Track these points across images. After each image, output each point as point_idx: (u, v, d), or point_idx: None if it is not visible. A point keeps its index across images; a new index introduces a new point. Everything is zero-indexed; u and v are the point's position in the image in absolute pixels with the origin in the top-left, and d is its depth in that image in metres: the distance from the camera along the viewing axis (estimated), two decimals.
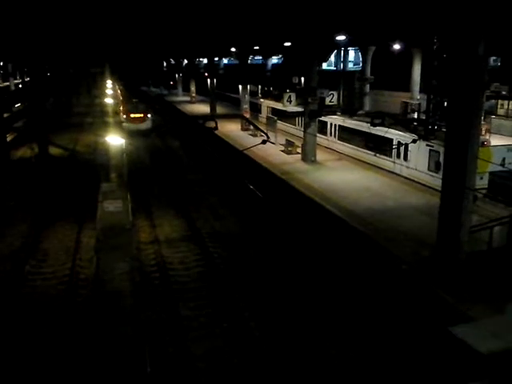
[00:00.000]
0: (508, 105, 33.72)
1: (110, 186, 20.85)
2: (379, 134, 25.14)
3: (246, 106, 43.33)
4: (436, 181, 19.34)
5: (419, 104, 32.30)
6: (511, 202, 17.94)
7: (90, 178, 26.93)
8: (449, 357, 8.95)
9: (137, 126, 42.80)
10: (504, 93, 31.06)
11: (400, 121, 26.31)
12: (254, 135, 35.97)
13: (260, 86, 54.74)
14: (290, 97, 32.96)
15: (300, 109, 30.86)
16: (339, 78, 42.60)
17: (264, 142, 20.24)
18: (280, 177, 24.77)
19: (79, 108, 65.97)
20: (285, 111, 35.88)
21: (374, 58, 37.41)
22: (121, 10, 23.72)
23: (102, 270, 14.50)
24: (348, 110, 32.31)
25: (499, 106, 34.16)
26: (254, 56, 56.36)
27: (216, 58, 56.95)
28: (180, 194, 25.45)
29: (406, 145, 22.97)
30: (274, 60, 55.17)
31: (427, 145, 21.78)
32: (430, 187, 21.24)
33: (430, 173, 21.58)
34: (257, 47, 42.83)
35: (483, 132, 24.08)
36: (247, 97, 43.62)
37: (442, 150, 17.95)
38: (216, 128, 22.75)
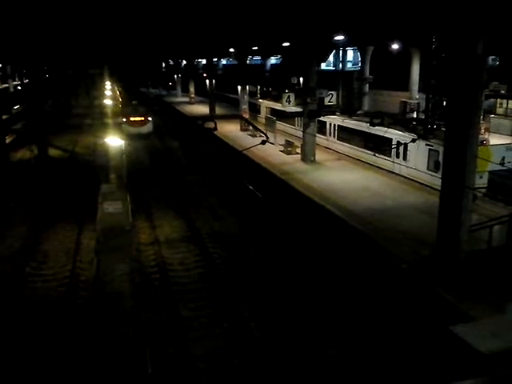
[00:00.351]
0: (507, 104, 33.75)
1: (109, 188, 20.84)
2: (378, 133, 25.16)
3: (245, 107, 43.33)
4: (435, 180, 19.35)
5: (418, 103, 32.34)
6: (511, 200, 17.96)
7: (90, 179, 26.94)
8: (449, 356, 8.96)
9: (137, 129, 41.53)
10: (503, 92, 31.10)
11: (399, 120, 26.35)
12: (254, 135, 35.98)
13: (259, 87, 54.75)
14: (288, 97, 32.93)
15: (299, 109, 30.85)
16: (338, 78, 42.59)
17: (263, 142, 20.30)
18: (279, 177, 24.77)
19: (78, 109, 65.96)
20: (284, 111, 35.86)
21: (372, 57, 37.45)
22: (119, 11, 23.74)
23: (103, 272, 14.50)
24: (347, 109, 32.32)
25: (498, 105, 34.19)
26: (253, 56, 56.35)
27: (215, 59, 57.00)
28: (179, 195, 25.45)
29: (406, 144, 22.97)
30: (273, 60, 55.19)
31: (426, 144, 21.79)
32: (429, 186, 21.26)
33: (430, 172, 21.59)
34: (255, 48, 42.86)
35: (482, 131, 24.10)
36: (246, 97, 43.62)
37: (441, 149, 17.96)
38: (215, 128, 22.82)
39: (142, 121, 42.10)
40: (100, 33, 33.37)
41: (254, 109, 45.08)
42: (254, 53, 49.48)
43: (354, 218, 18.04)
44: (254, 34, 30.18)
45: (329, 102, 29.13)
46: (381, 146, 25.36)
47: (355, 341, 12.34)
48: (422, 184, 22.07)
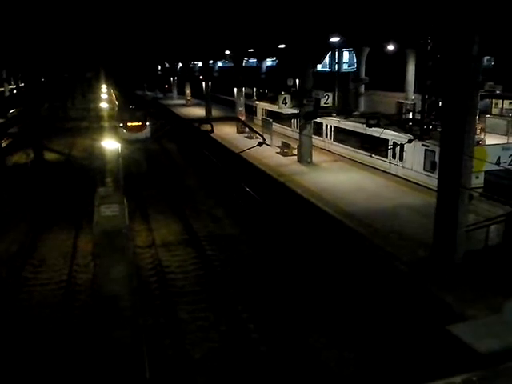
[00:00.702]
0: (502, 104, 33.89)
1: (106, 191, 20.76)
2: (375, 134, 25.18)
3: (241, 109, 43.30)
4: (432, 180, 19.39)
5: (414, 104, 32.46)
6: (507, 200, 18.00)
7: (86, 182, 26.87)
8: (446, 356, 8.96)
9: (135, 135, 39.55)
10: (498, 92, 31.22)
11: (395, 121, 26.38)
12: (250, 137, 35.97)
13: (255, 89, 54.77)
14: (285, 99, 32.99)
15: (295, 110, 30.88)
16: (334, 80, 42.67)
17: (260, 144, 20.25)
18: (276, 178, 24.78)
19: (74, 113, 65.83)
20: (280, 113, 35.90)
21: (368, 58, 37.55)
22: (115, 14, 23.72)
23: (100, 275, 14.45)
24: (343, 111, 32.34)
25: (494, 106, 34.34)
26: (249, 58, 56.45)
27: (211, 61, 57.00)
28: (176, 197, 25.43)
29: (402, 145, 23.01)
30: (269, 62, 55.26)
31: (423, 145, 21.83)
32: (425, 187, 21.28)
33: (426, 173, 21.62)
34: (251, 50, 42.89)
35: (478, 131, 24.18)
36: (242, 99, 43.61)
37: (437, 149, 18.00)
38: (212, 131, 22.72)
39: (139, 126, 40.51)
40: (96, 36, 33.34)
41: (251, 111, 45.09)
42: (250, 55, 49.57)
43: (351, 219, 18.04)
44: (250, 35, 30.21)
45: (325, 103, 29.21)
46: (377, 146, 25.39)
47: (352, 341, 12.34)
48: (418, 184, 22.09)
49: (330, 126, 30.84)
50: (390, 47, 33.93)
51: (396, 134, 23.92)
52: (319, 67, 44.98)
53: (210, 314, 13.95)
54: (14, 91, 75.50)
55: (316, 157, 28.54)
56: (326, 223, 18.91)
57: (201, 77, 58.66)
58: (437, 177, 14.20)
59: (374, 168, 25.65)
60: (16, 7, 20.91)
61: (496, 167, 19.02)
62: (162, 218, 22.46)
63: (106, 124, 44.11)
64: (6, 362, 11.76)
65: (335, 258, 16.88)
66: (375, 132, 24.86)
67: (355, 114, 30.68)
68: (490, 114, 33.32)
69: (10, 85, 76.37)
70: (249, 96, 50.34)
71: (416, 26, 21.03)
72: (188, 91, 67.10)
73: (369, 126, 23.62)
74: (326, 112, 29.46)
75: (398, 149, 23.61)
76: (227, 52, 44.13)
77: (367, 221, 17.71)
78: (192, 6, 21.53)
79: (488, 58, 32.08)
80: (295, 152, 29.27)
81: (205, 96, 53.49)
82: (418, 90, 32.14)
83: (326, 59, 46.23)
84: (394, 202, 19.98)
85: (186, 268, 17.15)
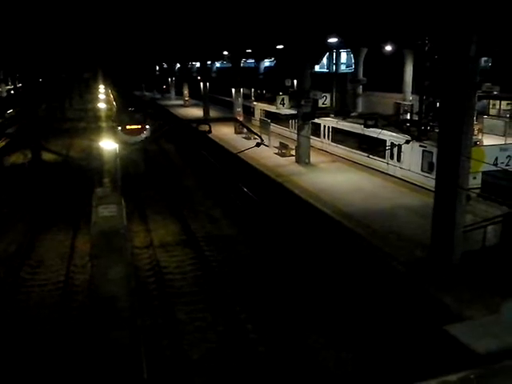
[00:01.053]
0: (500, 105, 33.96)
1: (103, 191, 20.74)
2: (372, 135, 25.22)
3: (239, 109, 43.32)
4: (429, 181, 19.41)
5: (412, 105, 32.48)
6: (504, 201, 18.03)
7: (84, 183, 26.82)
8: (444, 356, 8.97)
9: (134, 138, 36.96)
10: (496, 93, 31.28)
11: (393, 122, 26.41)
12: (248, 138, 35.97)
13: (253, 89, 54.78)
14: (283, 99, 33.03)
15: (293, 111, 30.91)
16: (332, 80, 42.71)
17: (258, 144, 20.24)
18: (274, 179, 24.79)
19: (72, 113, 65.77)
20: (278, 114, 35.92)
21: (366, 59, 37.56)
22: (113, 14, 23.72)
23: (97, 275, 14.43)
24: (341, 111, 32.38)
25: (491, 106, 34.39)
26: (247, 59, 56.45)
27: (209, 62, 57.04)
28: (174, 198, 25.41)
29: (400, 146, 23.05)
30: (267, 63, 55.27)
31: (420, 145, 21.86)
32: (423, 187, 21.32)
33: (424, 173, 21.65)
34: (249, 50, 42.94)
35: (476, 132, 24.19)
36: (240, 100, 43.63)
37: (435, 150, 18.01)
38: (210, 131, 22.70)
39: (139, 129, 38.55)
40: (93, 36, 33.33)
41: (249, 111, 45.09)
42: (248, 55, 49.59)
43: (349, 220, 18.05)
44: (248, 36, 30.25)
45: (323, 104, 29.22)
46: (375, 147, 25.42)
47: (349, 342, 12.35)
48: (416, 185, 22.12)
49: (328, 127, 30.87)
50: (388, 48, 33.97)
51: (394, 134, 23.95)
52: (317, 68, 44.98)
53: (207, 315, 13.95)
54: (12, 91, 75.40)
55: (314, 157, 28.56)
56: (324, 223, 18.92)
57: (199, 77, 58.68)
58: (434, 177, 14.22)
59: (372, 169, 25.67)
60: (14, 8, 20.89)
61: (493, 168, 19.05)
62: (160, 219, 22.45)
63: (104, 124, 43.98)
64: (4, 363, 11.73)
65: (334, 258, 16.88)
66: (373, 133, 24.90)
67: (353, 114, 30.72)
68: (488, 114, 33.35)
69: (8, 85, 76.29)
70: (247, 97, 50.35)
71: (414, 26, 21.06)
72: (186, 92, 67.11)
73: (367, 126, 23.64)
74: (324, 113, 29.49)
75: (395, 149, 23.64)
76: (225, 53, 44.14)
77: (365, 221, 17.73)
78: (190, 6, 21.54)
79: (485, 58, 32.12)
80: (293, 153, 29.28)
81: (203, 97, 53.50)
82: (415, 90, 32.19)
83: (324, 60, 46.23)
84: (391, 203, 20.01)
85: (183, 269, 17.14)
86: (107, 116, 48.40)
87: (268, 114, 39.62)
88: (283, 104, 33.04)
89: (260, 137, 21.97)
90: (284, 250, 18.35)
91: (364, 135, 26.12)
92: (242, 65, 48.46)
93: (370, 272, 15.05)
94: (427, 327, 11.43)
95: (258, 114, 42.74)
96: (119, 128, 38.03)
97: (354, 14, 19.32)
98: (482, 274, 12.87)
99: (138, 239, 19.96)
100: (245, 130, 36.49)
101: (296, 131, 29.14)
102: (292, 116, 32.54)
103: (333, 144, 30.51)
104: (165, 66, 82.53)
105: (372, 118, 23.89)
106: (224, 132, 39.31)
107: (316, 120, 29.84)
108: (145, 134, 38.43)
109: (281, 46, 35.13)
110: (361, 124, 24.86)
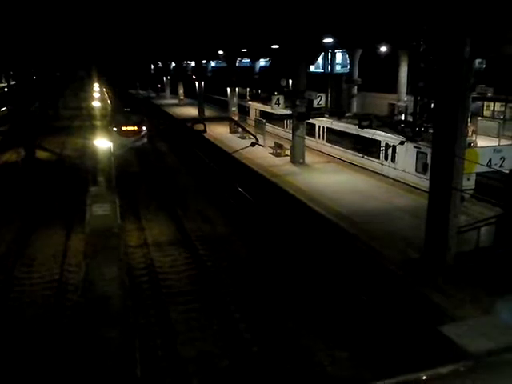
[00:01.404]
0: (494, 106, 34.15)
1: (98, 190, 20.71)
2: (367, 135, 25.28)
3: (234, 109, 43.29)
4: (424, 182, 19.47)
5: (406, 106, 32.57)
6: (498, 202, 18.11)
7: (78, 181, 26.74)
8: (437, 355, 9.01)
9: (130, 140, 34.99)
10: (490, 95, 31.45)
11: (387, 123, 26.45)
12: (243, 138, 35.97)
13: (248, 89, 54.75)
14: (278, 99, 32.96)
15: (288, 111, 30.90)
16: (327, 81, 42.78)
17: (253, 144, 20.24)
18: (269, 179, 24.79)
19: (66, 111, 65.50)
20: (273, 114, 35.90)
21: (361, 60, 37.65)
22: (108, 13, 23.64)
23: (91, 274, 14.40)
24: (336, 112, 32.42)
25: (485, 108, 34.58)
26: (242, 59, 56.38)
27: (204, 61, 56.91)
28: (169, 197, 25.37)
29: (394, 146, 23.11)
30: (262, 63, 55.24)
31: (415, 146, 21.93)
32: (417, 188, 21.38)
33: (418, 174, 21.73)
34: (244, 50, 42.89)
35: (470, 133, 24.30)
36: (235, 99, 43.61)
37: (429, 151, 18.08)
38: (204, 131, 22.71)
39: (135, 131, 37.03)
40: (88, 34, 33.21)
41: (244, 111, 45.09)
42: (243, 55, 49.51)
43: (343, 220, 18.08)
44: (243, 36, 30.21)
45: (318, 104, 29.19)
46: (369, 148, 25.49)
47: (344, 342, 12.38)
48: (410, 186, 22.20)
49: (323, 127, 30.92)
50: (383, 49, 34.07)
51: (388, 135, 24.01)
52: (312, 68, 45.04)
53: (201, 314, 13.93)
54: (5, 89, 74.94)
55: (309, 158, 28.59)
56: (318, 223, 18.94)
57: (194, 76, 58.56)
58: (428, 178, 14.26)
59: (367, 169, 25.73)
60: (8, 6, 20.78)
61: (487, 169, 19.13)
62: (154, 218, 22.40)
63: (98, 123, 43.80)
64: None
65: (328, 257, 16.90)
66: (367, 133, 24.96)
67: (348, 115, 30.75)
68: (482, 116, 33.56)
69: (1, 83, 75.90)
70: (242, 96, 50.32)
71: (408, 27, 21.11)
72: (181, 91, 67.00)
73: (361, 127, 23.67)
74: (319, 113, 29.50)
75: (390, 150, 23.71)
76: (220, 52, 44.05)
77: (359, 221, 17.76)
78: (185, 5, 21.50)
79: (480, 60, 32.29)
80: (288, 153, 29.31)
81: (198, 96, 53.43)
82: (410, 91, 32.27)
83: (319, 60, 46.30)
84: (385, 203, 20.07)
85: (177, 268, 17.11)
86: (102, 114, 48.25)
87: (263, 113, 39.62)
88: (278, 104, 32.98)
89: (255, 136, 22.03)
90: (278, 249, 18.35)
91: (359, 136, 26.18)
92: (237, 64, 48.41)
93: (364, 272, 15.09)
94: (421, 327, 11.49)
95: (253, 114, 42.74)
96: (115, 129, 36.35)
97: (349, 15, 19.35)
98: (476, 274, 12.92)
99: (132, 238, 19.90)
100: (240, 129, 36.49)
101: (291, 131, 29.16)
102: (287, 116, 32.55)
103: (327, 144, 30.55)
104: (160, 64, 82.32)
105: (367, 119, 23.92)
106: (219, 131, 39.28)
107: (311, 120, 29.86)
108: (142, 136, 36.65)
109: (276, 46, 35.10)
110: (355, 124, 24.90)
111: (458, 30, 12.53)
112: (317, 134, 31.66)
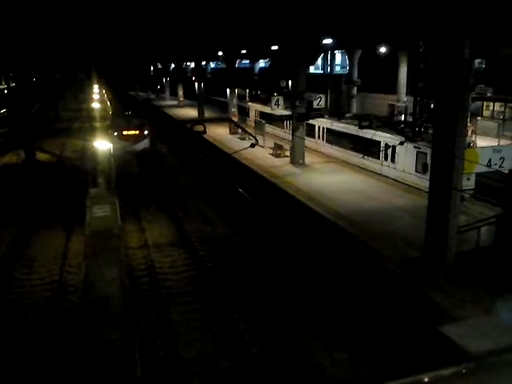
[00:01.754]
0: (493, 106, 34.17)
1: (98, 191, 20.73)
2: (367, 136, 25.28)
3: (234, 110, 43.30)
4: (423, 182, 19.47)
5: (406, 106, 32.59)
6: (497, 202, 18.12)
7: (78, 183, 26.75)
8: (438, 355, 9.00)
9: (131, 145, 34.80)
10: (489, 95, 31.47)
11: (387, 123, 26.46)
12: (243, 139, 35.99)
13: (248, 90, 54.77)
14: (277, 100, 32.98)
15: (288, 112, 30.93)
16: (326, 81, 42.80)
17: (253, 145, 20.22)
18: (269, 180, 24.80)
19: (66, 113, 65.50)
20: (273, 115, 35.90)
21: (360, 61, 37.68)
22: (108, 15, 23.67)
23: (91, 275, 14.40)
24: (336, 112, 32.42)
25: (485, 108, 34.59)
26: (242, 60, 56.42)
27: (203, 62, 56.97)
28: (168, 198, 25.36)
29: (394, 147, 23.12)
30: (262, 64, 55.28)
31: (414, 147, 21.93)
32: (417, 188, 21.37)
33: (418, 174, 21.72)
34: (244, 51, 42.94)
35: (469, 133, 24.30)
36: (235, 100, 43.63)
37: (429, 151, 18.09)
38: (204, 132, 22.68)
39: (136, 135, 35.34)
40: (88, 36, 33.23)
41: (243, 112, 45.10)
42: (243, 56, 49.57)
43: (343, 220, 18.09)
44: (243, 37, 30.25)
45: (317, 105, 29.21)
46: (369, 148, 25.49)
47: (343, 342, 12.37)
48: (410, 186, 22.20)
49: (323, 128, 30.93)
50: (382, 49, 34.10)
51: (388, 135, 24.02)
52: (312, 69, 45.04)
53: (202, 315, 13.92)
54: (5, 91, 75.01)
55: (308, 158, 28.60)
56: (318, 223, 18.94)
57: (193, 78, 58.61)
58: (428, 178, 14.26)
59: (367, 170, 25.74)
60: (8, 7, 20.81)
61: (487, 169, 19.13)
62: (154, 219, 22.39)
63: (98, 124, 43.79)
64: None
65: (328, 257, 16.90)
66: (367, 134, 24.96)
67: (347, 115, 30.75)
68: (481, 116, 33.57)
69: (1, 85, 75.94)
70: (241, 97, 50.34)
71: (408, 28, 21.13)
72: (180, 92, 67.03)
73: (361, 127, 23.68)
74: (319, 114, 29.52)
75: (389, 150, 23.71)
76: (220, 53, 44.09)
77: (359, 221, 17.77)
78: (185, 6, 21.53)
79: (479, 60, 32.31)
80: (288, 153, 29.31)
81: (197, 97, 53.46)
82: (409, 92, 32.30)
83: (319, 61, 46.30)
84: (385, 203, 20.07)
85: (178, 269, 17.11)
86: (101, 116, 48.25)
87: (263, 114, 39.64)
88: (278, 105, 32.99)
89: (255, 137, 21.98)
90: (278, 249, 18.35)
91: (358, 136, 26.18)
92: (236, 65, 48.44)
93: (364, 271, 15.08)
94: (421, 327, 11.48)
95: (252, 115, 42.75)
96: (115, 134, 34.67)
97: (348, 16, 19.37)
98: (476, 274, 12.92)
99: (133, 239, 19.89)
100: (239, 130, 36.50)
101: (291, 132, 29.17)
102: (287, 117, 32.56)
103: (327, 145, 30.56)
104: (159, 66, 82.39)
105: (366, 119, 23.92)
106: (219, 132, 39.30)
107: (311, 121, 29.87)
108: (144, 141, 35.65)
109: (276, 47, 35.14)
110: (355, 125, 24.91)
111: (457, 32, 12.54)
112: (317, 135, 31.67)
